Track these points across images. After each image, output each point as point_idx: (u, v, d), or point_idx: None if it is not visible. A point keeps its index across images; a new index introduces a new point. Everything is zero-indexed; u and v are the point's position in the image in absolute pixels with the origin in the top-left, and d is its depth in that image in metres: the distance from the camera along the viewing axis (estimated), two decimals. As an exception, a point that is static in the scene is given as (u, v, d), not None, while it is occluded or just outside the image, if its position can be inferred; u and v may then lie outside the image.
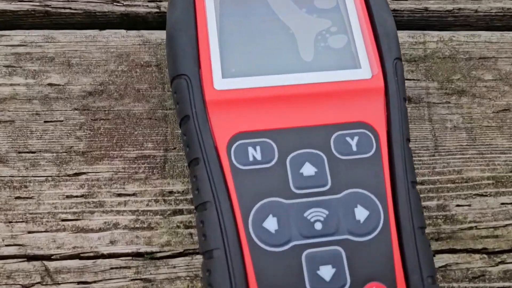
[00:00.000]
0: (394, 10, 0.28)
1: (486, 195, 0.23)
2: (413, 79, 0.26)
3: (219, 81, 0.20)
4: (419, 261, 0.19)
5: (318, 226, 0.18)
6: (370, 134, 0.20)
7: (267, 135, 0.19)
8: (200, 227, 0.19)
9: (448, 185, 0.23)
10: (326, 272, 0.18)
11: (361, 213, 0.19)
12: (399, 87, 0.21)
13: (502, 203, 0.23)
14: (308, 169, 0.19)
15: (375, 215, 0.19)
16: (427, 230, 0.22)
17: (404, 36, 0.27)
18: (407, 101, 0.22)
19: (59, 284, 0.20)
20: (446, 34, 0.27)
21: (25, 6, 0.26)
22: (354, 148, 0.20)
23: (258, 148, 0.19)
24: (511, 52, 0.27)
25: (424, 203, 0.23)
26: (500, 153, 0.24)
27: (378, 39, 0.21)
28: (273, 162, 0.19)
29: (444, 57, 0.26)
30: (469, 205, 0.23)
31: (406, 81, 0.25)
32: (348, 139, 0.20)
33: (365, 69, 0.21)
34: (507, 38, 0.27)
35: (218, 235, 0.18)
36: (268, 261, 0.18)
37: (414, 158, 0.24)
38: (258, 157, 0.19)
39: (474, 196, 0.23)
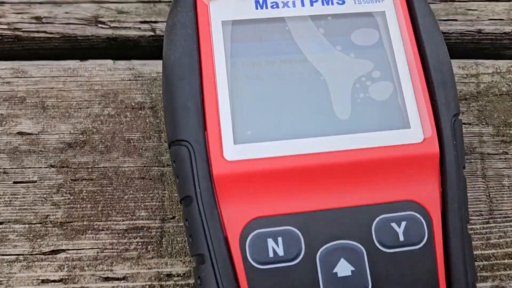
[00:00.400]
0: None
1: (551, 274, 0.19)
2: (463, 123, 0.21)
3: (231, 148, 0.16)
4: None
5: None
6: (421, 217, 0.16)
7: (292, 222, 0.16)
8: None
9: (505, 261, 0.19)
10: None
11: None
12: (458, 153, 0.17)
13: None
14: (344, 268, 0.15)
15: None
16: (481, 320, 0.19)
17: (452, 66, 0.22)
18: (464, 168, 0.17)
19: None
20: (503, 64, 0.22)
21: (-10, 29, 0.21)
22: (401, 238, 0.16)
23: (280, 239, 0.15)
24: None
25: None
26: None
27: (433, 88, 0.17)
28: (299, 259, 0.15)
29: (501, 93, 0.22)
30: (531, 286, 0.19)
31: (454, 124, 0.21)
32: (393, 225, 0.16)
33: (416, 130, 0.17)
34: None
35: None
36: None
37: (464, 227, 0.20)
38: (280, 252, 0.15)
39: (536, 275, 0.19)
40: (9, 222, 0.19)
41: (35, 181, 0.19)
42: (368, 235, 0.16)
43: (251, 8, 0.18)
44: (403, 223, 0.16)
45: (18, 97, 0.20)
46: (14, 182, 0.19)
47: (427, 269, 0.16)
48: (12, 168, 0.19)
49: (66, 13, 0.22)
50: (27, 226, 0.19)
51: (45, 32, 0.21)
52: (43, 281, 0.18)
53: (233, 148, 0.16)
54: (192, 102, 0.16)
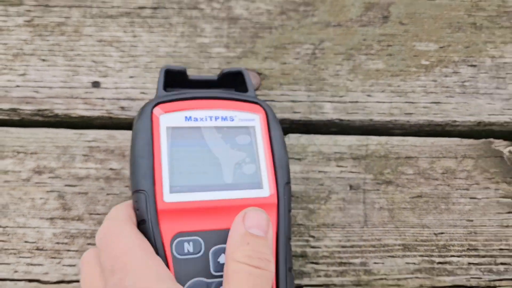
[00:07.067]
0: (348, 120, 0.42)
1: (396, 257, 0.37)
2: (356, 172, 0.40)
3: (168, 195, 0.31)
4: None
5: None
6: None
7: (197, 234, 0.31)
8: None
9: (370, 248, 0.37)
10: None
11: None
12: (286, 203, 0.32)
13: (406, 262, 0.37)
14: (223, 259, 0.30)
15: None
16: (351, 278, 0.36)
17: (353, 140, 0.41)
18: (290, 212, 0.33)
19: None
20: (383, 139, 0.41)
21: (96, 113, 0.42)
22: None
23: (191, 243, 0.30)
24: (429, 154, 0.41)
25: (351, 260, 0.37)
26: (410, 227, 0.38)
27: (275, 169, 0.33)
28: (200, 253, 0.30)
29: (380, 156, 0.41)
30: (383, 263, 0.37)
31: (351, 173, 0.40)
32: None
33: (266, 189, 0.33)
34: (428, 143, 0.41)
35: None
36: None
37: (349, 229, 0.38)
38: (191, 249, 0.30)
39: (387, 257, 0.37)
40: (104, 214, 0.38)
41: (118, 194, 0.39)
42: None
43: (183, 120, 0.33)
44: None
45: (110, 150, 0.41)
46: (107, 194, 0.39)
47: None
48: (106, 187, 0.39)
49: (137, 105, 0.42)
50: (113, 216, 0.38)
51: (126, 115, 0.42)
52: (120, 244, 0.37)
53: (169, 195, 0.31)
54: (147, 171, 0.31)
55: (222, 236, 0.30)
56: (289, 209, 0.32)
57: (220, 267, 0.30)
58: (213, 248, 0.30)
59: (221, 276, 0.30)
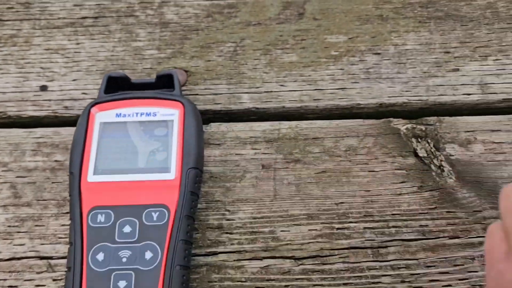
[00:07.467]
0: (263, 108, 0.48)
1: (300, 225, 0.43)
2: (268, 153, 0.46)
3: (91, 176, 0.40)
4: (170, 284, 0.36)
5: (124, 259, 0.37)
6: (165, 211, 0.38)
7: (109, 208, 0.39)
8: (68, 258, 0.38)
9: (278, 218, 0.43)
10: (122, 284, 0.36)
11: (148, 255, 0.37)
12: (188, 185, 0.39)
13: (309, 229, 0.42)
14: (127, 229, 0.38)
15: (155, 256, 0.37)
16: (261, 245, 0.42)
17: (267, 125, 0.47)
18: (197, 196, 0.40)
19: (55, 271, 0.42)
20: (293, 123, 0.47)
21: (44, 113, 0.48)
22: (155, 218, 0.38)
23: (103, 215, 0.38)
24: (334, 134, 0.46)
25: (261, 230, 0.42)
26: (314, 199, 0.44)
27: (183, 156, 0.40)
28: (110, 223, 0.38)
29: (290, 138, 0.46)
30: (289, 231, 0.42)
31: (264, 154, 0.45)
32: (152, 213, 0.38)
33: (172, 173, 0.40)
34: (333, 125, 0.47)
35: (72, 262, 0.37)
36: (94, 276, 0.36)
37: (260, 203, 0.43)
38: (102, 220, 0.38)
39: (293, 226, 0.43)
40: (49, 199, 0.44)
41: (61, 182, 0.45)
42: (141, 216, 0.38)
43: (114, 116, 0.43)
44: (157, 212, 0.38)
45: (55, 144, 0.47)
46: (52, 182, 0.45)
47: (163, 231, 0.37)
48: (52, 176, 0.45)
49: (79, 104, 0.48)
50: (57, 201, 0.44)
51: (69, 114, 0.48)
52: (62, 225, 0.43)
53: (92, 176, 0.40)
54: (78, 157, 0.40)
55: (129, 210, 0.38)
56: (191, 191, 0.39)
57: (123, 235, 0.38)
58: (120, 220, 0.38)
59: (122, 243, 0.37)
